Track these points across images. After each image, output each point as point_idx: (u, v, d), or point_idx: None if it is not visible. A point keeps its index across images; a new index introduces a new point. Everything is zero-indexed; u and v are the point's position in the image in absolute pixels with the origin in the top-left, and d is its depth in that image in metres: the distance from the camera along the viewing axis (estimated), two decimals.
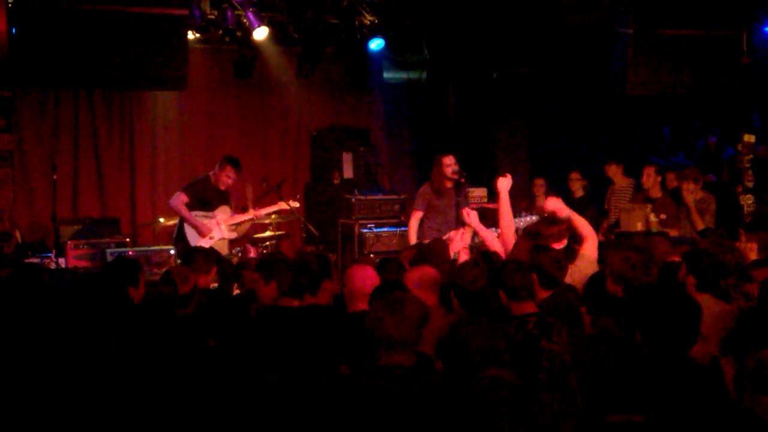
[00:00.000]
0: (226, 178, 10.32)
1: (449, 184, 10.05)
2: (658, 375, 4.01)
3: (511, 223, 7.47)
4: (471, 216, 7.77)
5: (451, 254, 7.58)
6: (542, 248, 6.13)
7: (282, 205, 10.72)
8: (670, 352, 4.12)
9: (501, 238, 7.41)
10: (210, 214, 10.32)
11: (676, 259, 6.78)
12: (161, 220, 11.83)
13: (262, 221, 10.99)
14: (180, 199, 10.26)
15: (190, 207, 10.24)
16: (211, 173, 10.46)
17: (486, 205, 10.85)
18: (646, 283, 5.78)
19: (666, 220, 10.59)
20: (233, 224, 10.40)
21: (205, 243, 9.93)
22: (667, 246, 7.92)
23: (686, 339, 4.19)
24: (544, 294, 5.77)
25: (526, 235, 7.03)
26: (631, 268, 5.92)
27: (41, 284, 6.26)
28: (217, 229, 10.26)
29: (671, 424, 3.86)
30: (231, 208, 10.52)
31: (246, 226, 10.68)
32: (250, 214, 10.50)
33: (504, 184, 7.66)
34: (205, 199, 10.30)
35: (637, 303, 4.45)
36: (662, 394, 3.92)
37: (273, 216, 11.22)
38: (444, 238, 8.31)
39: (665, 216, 10.61)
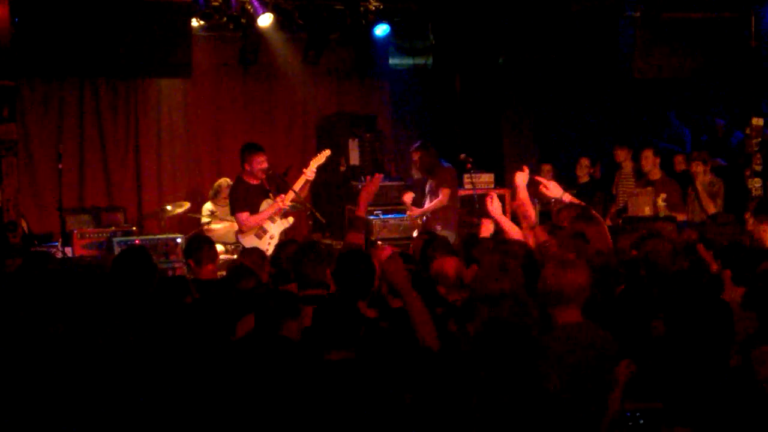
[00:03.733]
0: (259, 166, 9.55)
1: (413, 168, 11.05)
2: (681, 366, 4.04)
3: (532, 218, 7.29)
4: (494, 204, 7.67)
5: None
6: None
7: (309, 171, 9.79)
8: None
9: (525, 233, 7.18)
10: None
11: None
12: (168, 207, 11.82)
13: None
14: (243, 217, 9.54)
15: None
16: (242, 174, 9.70)
17: (493, 191, 10.83)
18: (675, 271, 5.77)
19: (671, 202, 10.53)
20: (283, 211, 9.67)
21: (266, 242, 9.42)
22: (674, 230, 7.89)
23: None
24: None
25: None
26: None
27: (52, 273, 6.23)
28: (271, 225, 9.59)
29: (692, 414, 3.85)
30: (271, 198, 9.71)
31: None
32: (290, 195, 9.60)
33: (521, 179, 7.56)
34: (251, 203, 9.60)
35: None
36: (686, 386, 3.91)
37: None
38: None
39: (666, 195, 10.55)
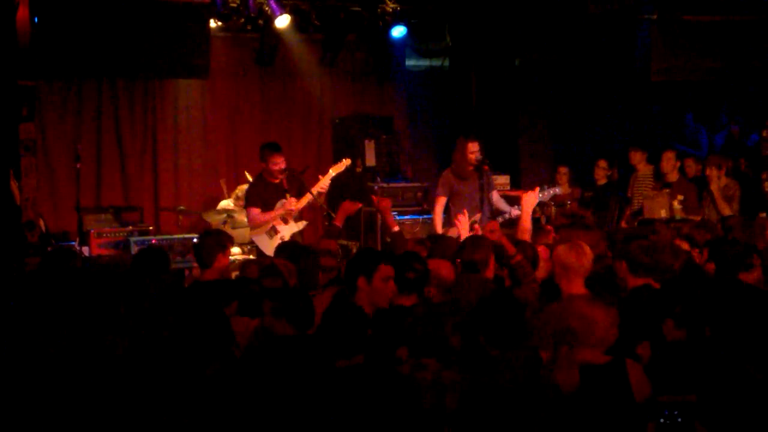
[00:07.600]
0: (275, 166, 9.66)
1: (471, 169, 9.96)
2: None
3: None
4: (462, 222, 8.14)
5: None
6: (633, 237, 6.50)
7: (326, 178, 9.87)
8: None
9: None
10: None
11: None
12: (182, 207, 11.86)
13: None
14: (254, 213, 9.69)
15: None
16: (262, 171, 9.86)
17: (509, 192, 10.84)
18: None
19: (687, 205, 10.51)
20: (298, 214, 9.80)
21: (276, 241, 9.40)
22: (671, 233, 7.95)
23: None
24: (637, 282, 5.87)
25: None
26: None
27: (75, 271, 6.26)
28: (284, 226, 9.69)
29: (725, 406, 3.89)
30: (287, 199, 9.78)
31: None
32: (303, 201, 9.74)
33: (530, 199, 8.12)
34: (266, 200, 9.72)
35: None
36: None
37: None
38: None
39: (683, 197, 10.53)
